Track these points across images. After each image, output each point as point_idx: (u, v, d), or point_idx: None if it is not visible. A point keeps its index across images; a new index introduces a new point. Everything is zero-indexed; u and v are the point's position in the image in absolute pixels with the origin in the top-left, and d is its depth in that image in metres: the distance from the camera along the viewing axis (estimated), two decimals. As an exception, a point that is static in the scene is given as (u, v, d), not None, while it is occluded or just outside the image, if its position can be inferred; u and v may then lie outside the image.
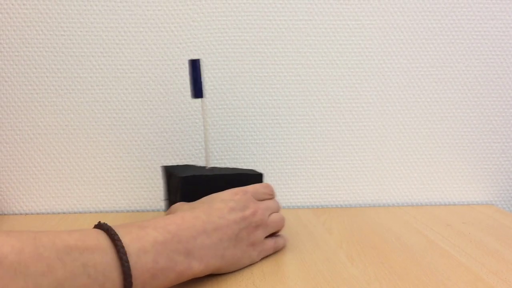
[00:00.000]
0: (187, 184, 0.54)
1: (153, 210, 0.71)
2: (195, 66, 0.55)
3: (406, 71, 0.72)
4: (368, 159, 0.73)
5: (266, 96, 0.70)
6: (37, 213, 0.69)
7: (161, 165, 0.70)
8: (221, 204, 0.47)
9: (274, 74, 0.70)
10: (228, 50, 0.69)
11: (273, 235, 0.54)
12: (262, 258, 0.51)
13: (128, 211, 0.71)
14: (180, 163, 0.70)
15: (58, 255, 0.33)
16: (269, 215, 0.52)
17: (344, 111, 0.72)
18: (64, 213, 0.70)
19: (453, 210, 0.72)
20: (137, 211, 0.71)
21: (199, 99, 0.60)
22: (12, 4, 0.64)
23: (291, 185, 0.73)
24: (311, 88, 0.71)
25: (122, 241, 0.37)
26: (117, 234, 0.37)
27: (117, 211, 0.70)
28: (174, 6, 0.66)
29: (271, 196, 0.54)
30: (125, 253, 0.36)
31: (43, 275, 0.32)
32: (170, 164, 0.70)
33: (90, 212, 0.70)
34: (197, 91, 0.56)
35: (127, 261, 0.36)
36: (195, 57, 0.68)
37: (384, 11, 0.70)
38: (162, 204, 0.71)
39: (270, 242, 0.52)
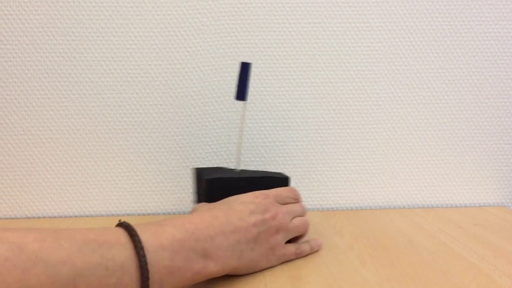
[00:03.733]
0: (212, 186, 0.54)
1: (164, 214, 0.71)
2: (245, 69, 0.56)
3: (415, 72, 0.71)
4: (378, 161, 0.73)
5: (275, 99, 0.71)
6: (49, 217, 0.70)
7: (191, 167, 0.70)
8: (241, 206, 0.47)
9: (283, 77, 0.70)
10: (237, 54, 0.69)
11: (297, 239, 0.53)
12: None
13: (139, 214, 0.71)
14: (191, 166, 0.70)
15: (77, 246, 0.34)
16: (292, 219, 0.51)
17: (353, 113, 0.72)
18: (76, 216, 0.70)
19: (465, 212, 0.71)
20: (149, 214, 0.71)
21: (240, 102, 0.60)
22: (24, 10, 0.65)
23: (301, 188, 0.73)
24: (321, 91, 0.71)
25: (140, 237, 0.38)
26: (135, 230, 0.38)
27: (128, 214, 0.71)
28: (184, 11, 0.67)
29: (295, 200, 0.54)
30: (142, 248, 0.37)
31: (62, 264, 0.33)
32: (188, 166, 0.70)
33: (102, 216, 0.70)
34: (242, 93, 0.56)
35: (144, 256, 0.37)
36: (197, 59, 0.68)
37: (393, 13, 0.69)
38: (173, 207, 0.71)
39: (292, 248, 0.51)
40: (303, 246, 0.53)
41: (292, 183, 0.72)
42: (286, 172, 0.72)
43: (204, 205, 0.51)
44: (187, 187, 0.71)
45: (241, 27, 0.68)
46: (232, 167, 0.72)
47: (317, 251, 0.54)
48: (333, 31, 0.69)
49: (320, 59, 0.70)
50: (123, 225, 0.39)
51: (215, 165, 0.71)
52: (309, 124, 0.72)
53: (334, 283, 0.46)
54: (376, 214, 0.70)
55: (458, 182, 0.74)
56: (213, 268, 0.42)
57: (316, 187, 0.73)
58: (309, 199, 0.73)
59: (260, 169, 0.72)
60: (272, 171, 0.71)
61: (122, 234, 0.38)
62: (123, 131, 0.69)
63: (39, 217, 0.70)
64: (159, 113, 0.69)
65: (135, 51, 0.67)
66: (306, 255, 0.53)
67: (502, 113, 0.73)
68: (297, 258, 0.52)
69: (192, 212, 0.50)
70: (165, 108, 0.69)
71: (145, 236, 0.38)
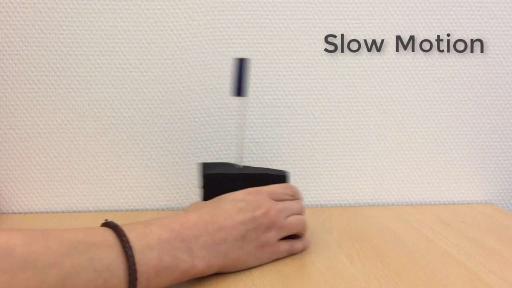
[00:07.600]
0: (210, 182, 0.55)
1: (152, 210, 0.71)
2: (242, 64, 0.55)
3: (405, 69, 0.71)
4: (368, 158, 0.73)
5: (265, 95, 0.70)
6: (37, 212, 0.69)
7: (179, 163, 0.70)
8: (230, 205, 0.47)
9: (273, 73, 0.70)
10: (227, 49, 0.69)
11: (294, 237, 0.52)
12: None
13: (127, 210, 0.71)
14: (179, 162, 0.70)
15: (66, 248, 0.34)
16: (287, 216, 0.50)
17: (343, 110, 0.72)
18: (63, 212, 0.70)
19: (453, 209, 0.72)
20: (137, 210, 0.71)
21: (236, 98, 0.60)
22: (11, 3, 0.64)
23: (290, 184, 0.73)
24: (311, 87, 0.71)
25: (128, 237, 0.37)
26: (123, 231, 0.38)
27: (116, 210, 0.70)
28: (173, 5, 0.66)
29: (292, 197, 0.52)
30: (130, 248, 0.37)
31: (51, 267, 0.33)
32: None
33: (90, 211, 0.70)
34: (240, 89, 0.56)
35: (132, 256, 0.36)
36: (196, 55, 0.68)
37: (383, 9, 0.69)
38: (162, 203, 0.71)
39: (285, 245, 0.50)
40: (296, 243, 0.52)
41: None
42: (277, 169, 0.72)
43: (196, 204, 0.51)
44: (176, 183, 0.71)
45: (231, 22, 0.68)
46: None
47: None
48: (323, 27, 0.69)
49: (311, 56, 0.70)
50: (110, 224, 0.39)
51: (208, 161, 0.70)
52: (299, 121, 0.71)
53: (321, 280, 0.46)
54: (365, 211, 0.70)
55: (446, 180, 0.75)
56: (200, 267, 0.42)
57: (306, 184, 0.73)
58: (298, 196, 0.73)
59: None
60: (273, 168, 0.70)
61: (109, 234, 0.37)
62: (111, 126, 0.69)
63: (25, 213, 0.69)
64: (147, 108, 0.69)
65: (124, 45, 0.67)
66: (298, 253, 0.52)
67: (491, 111, 0.74)
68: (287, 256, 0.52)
69: (186, 211, 0.50)
70: (154, 103, 0.69)
71: (132, 236, 0.38)
